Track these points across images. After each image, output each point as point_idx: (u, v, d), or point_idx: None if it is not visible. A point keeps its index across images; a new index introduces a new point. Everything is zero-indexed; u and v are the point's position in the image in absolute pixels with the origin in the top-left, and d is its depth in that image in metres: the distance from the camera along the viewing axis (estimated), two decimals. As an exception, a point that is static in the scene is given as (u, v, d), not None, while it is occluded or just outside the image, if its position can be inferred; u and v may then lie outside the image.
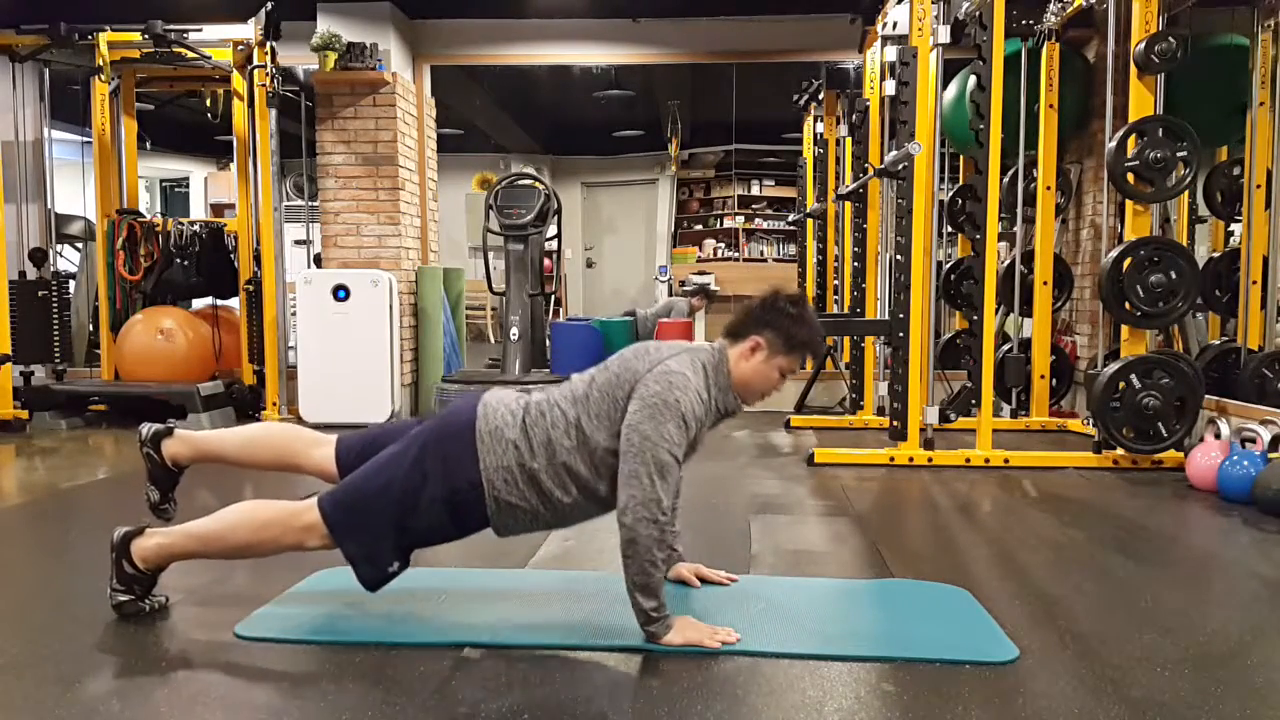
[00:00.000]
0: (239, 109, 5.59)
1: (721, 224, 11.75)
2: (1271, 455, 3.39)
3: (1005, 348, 5.23)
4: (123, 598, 2.10)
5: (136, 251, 5.65)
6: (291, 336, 5.52)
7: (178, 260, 5.70)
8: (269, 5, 5.14)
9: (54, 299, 5.60)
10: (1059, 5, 4.77)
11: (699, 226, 11.87)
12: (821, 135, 6.69)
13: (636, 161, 11.51)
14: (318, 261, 6.42)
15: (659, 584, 1.91)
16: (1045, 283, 5.12)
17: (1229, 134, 4.85)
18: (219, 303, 5.93)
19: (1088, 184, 5.51)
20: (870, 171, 4.99)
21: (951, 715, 1.66)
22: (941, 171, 4.82)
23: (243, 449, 2.30)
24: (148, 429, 2.29)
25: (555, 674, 1.83)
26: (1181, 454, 3.87)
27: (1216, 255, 5.05)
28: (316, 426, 5.54)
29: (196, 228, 5.78)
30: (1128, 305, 3.89)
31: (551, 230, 5.76)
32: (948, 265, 5.80)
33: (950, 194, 5.92)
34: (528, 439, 2.00)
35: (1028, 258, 5.22)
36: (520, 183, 5.81)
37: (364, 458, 2.12)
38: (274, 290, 5.40)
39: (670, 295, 10.46)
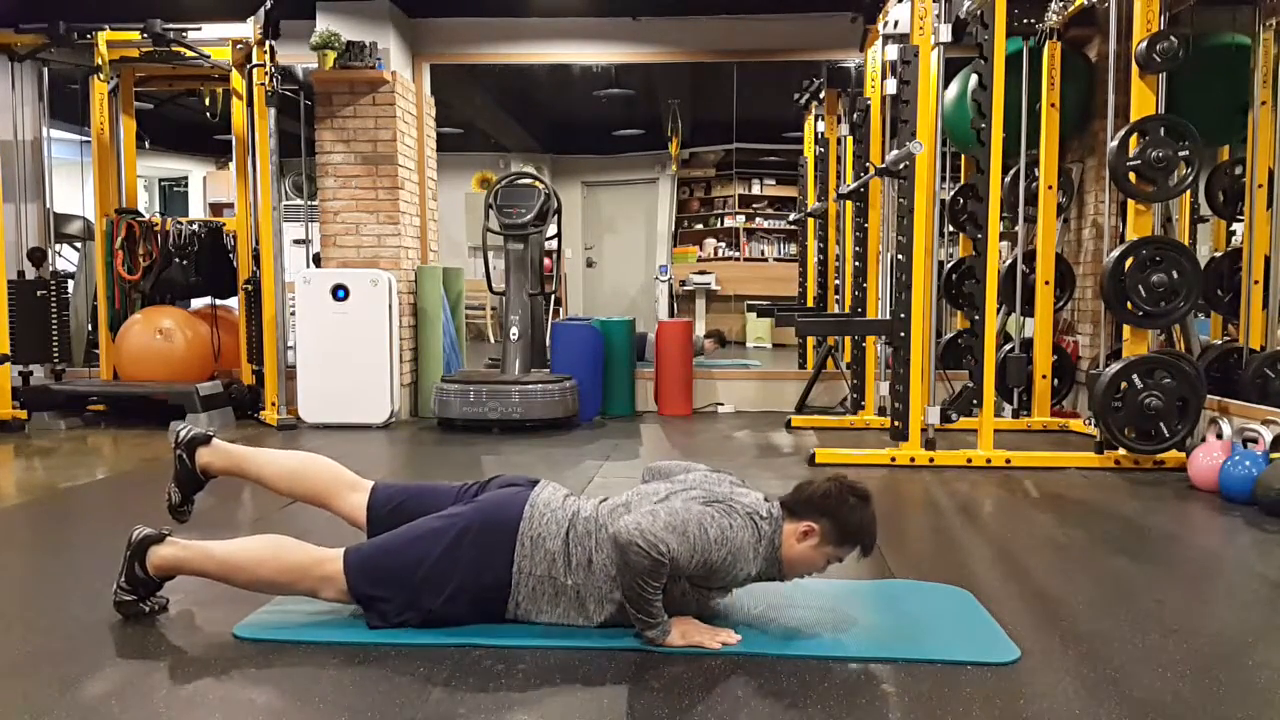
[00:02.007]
0: (238, 108, 5.58)
1: (722, 223, 11.74)
2: (1273, 455, 3.38)
3: (1007, 348, 5.22)
4: (126, 598, 2.10)
5: (135, 251, 5.64)
6: (290, 336, 5.51)
7: (176, 260, 5.69)
8: (268, 4, 5.13)
9: (53, 299, 5.60)
10: (1060, 4, 4.76)
11: (699, 226, 11.86)
12: (822, 134, 6.69)
13: (637, 160, 11.50)
14: (317, 261, 6.41)
15: (651, 600, 1.89)
16: (1047, 282, 5.11)
17: (1230, 133, 4.84)
18: (218, 302, 5.92)
19: (1089, 183, 5.50)
20: (871, 171, 4.99)
21: (953, 716, 1.66)
22: (943, 171, 4.82)
23: (279, 478, 2.27)
24: (185, 433, 2.28)
25: (555, 675, 1.82)
26: (1183, 454, 3.86)
27: (1218, 255, 5.04)
28: (316, 427, 5.54)
29: (195, 227, 5.77)
30: (1129, 305, 3.88)
31: (551, 230, 5.75)
32: (949, 265, 5.80)
33: (951, 193, 5.92)
34: (568, 554, 1.98)
35: (1029, 257, 5.21)
36: (520, 182, 5.80)
37: (397, 514, 2.11)
38: (273, 290, 5.39)
39: (674, 311, 10.49)
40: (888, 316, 4.62)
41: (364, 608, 2.02)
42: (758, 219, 11.68)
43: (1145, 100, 3.87)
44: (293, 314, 5.47)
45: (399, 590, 1.98)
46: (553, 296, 6.25)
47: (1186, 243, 4.77)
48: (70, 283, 6.18)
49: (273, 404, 5.39)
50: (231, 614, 2.09)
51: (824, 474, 2.10)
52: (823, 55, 6.22)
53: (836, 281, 6.25)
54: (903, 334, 4.18)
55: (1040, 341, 5.12)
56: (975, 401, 4.14)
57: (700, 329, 9.35)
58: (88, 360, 6.18)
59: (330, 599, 2.04)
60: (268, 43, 5.25)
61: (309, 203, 7.25)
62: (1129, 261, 3.86)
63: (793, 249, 10.72)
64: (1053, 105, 5.06)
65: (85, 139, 6.09)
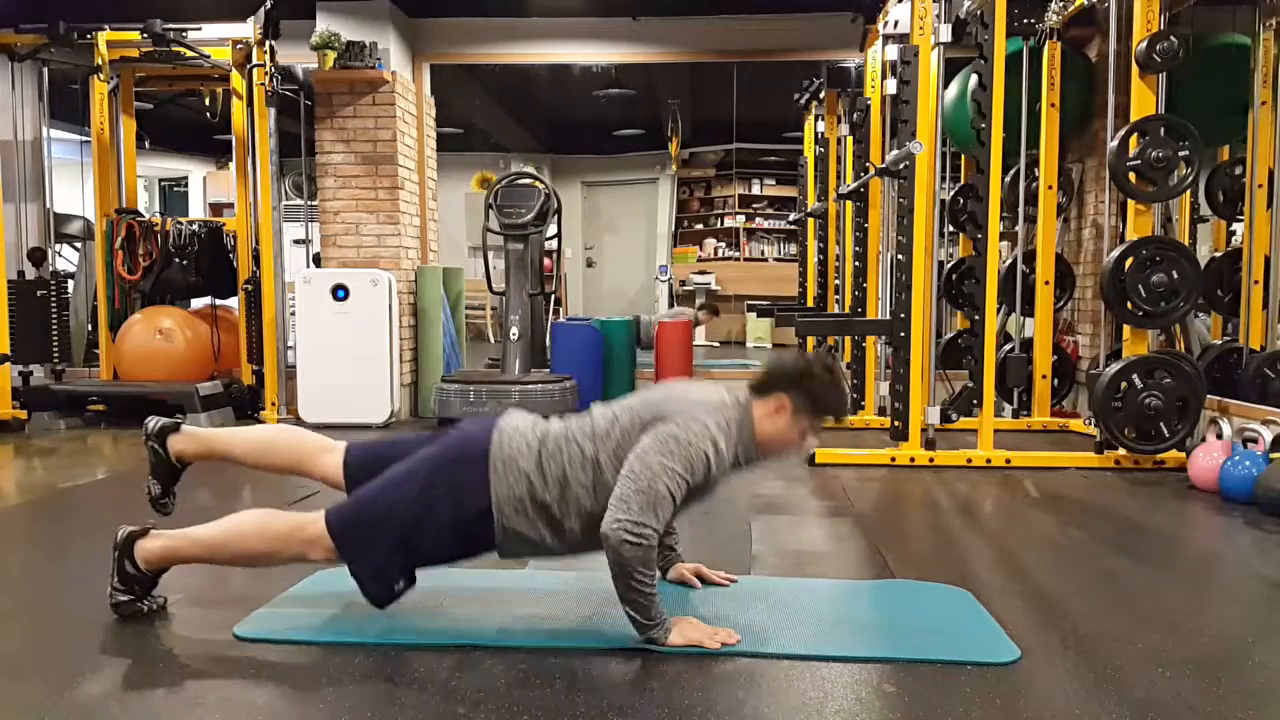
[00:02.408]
0: (238, 108, 5.58)
1: (722, 223, 11.75)
2: (1273, 455, 3.39)
3: (1007, 347, 5.22)
4: (122, 597, 2.09)
5: (135, 251, 5.64)
6: (290, 336, 5.51)
7: (176, 260, 5.68)
8: (268, 4, 5.13)
9: (53, 299, 5.59)
10: (1060, 4, 4.76)
11: (699, 226, 11.87)
12: (822, 134, 6.69)
13: (637, 161, 11.51)
14: (317, 261, 6.42)
15: (650, 597, 1.90)
16: (1047, 282, 5.11)
17: (1230, 133, 4.84)
18: (218, 302, 5.92)
19: (1089, 183, 5.50)
20: (871, 171, 4.99)
21: (953, 716, 1.66)
22: (943, 171, 4.82)
23: (251, 452, 2.29)
24: (154, 423, 2.28)
25: (555, 675, 1.82)
26: (1183, 454, 3.86)
27: (1218, 255, 5.04)
28: (316, 427, 5.52)
29: (195, 227, 5.76)
30: (1129, 305, 3.88)
31: (551, 230, 5.75)
32: (949, 265, 5.80)
33: (951, 193, 5.91)
34: (542, 472, 1.99)
35: (1029, 257, 5.21)
36: (520, 182, 5.80)
37: (372, 469, 2.11)
38: (273, 290, 5.39)
39: (673, 304, 10.48)
40: (888, 316, 4.62)
41: (351, 567, 2.00)
42: (758, 219, 11.69)
43: (1145, 100, 3.87)
44: (293, 314, 5.47)
45: (385, 536, 1.98)
46: (553, 296, 6.25)
47: (1186, 243, 4.77)
48: (70, 283, 6.17)
49: (273, 404, 5.39)
50: (231, 614, 2.09)
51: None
52: (823, 55, 6.22)
53: (836, 281, 6.25)
54: (903, 334, 4.17)
55: (1040, 341, 5.12)
56: (975, 401, 4.14)
57: (700, 331, 9.35)
58: (88, 360, 6.18)
59: (319, 559, 2.03)
60: (268, 43, 5.25)
61: (309, 203, 7.25)
62: (1129, 261, 3.86)
63: (793, 249, 10.74)
64: (1053, 105, 5.06)
65: (85, 139, 6.08)
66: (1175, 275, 3.84)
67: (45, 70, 5.94)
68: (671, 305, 10.61)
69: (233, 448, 2.29)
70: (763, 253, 11.65)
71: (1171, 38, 3.75)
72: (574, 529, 1.99)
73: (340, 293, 5.34)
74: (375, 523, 1.99)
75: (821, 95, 6.61)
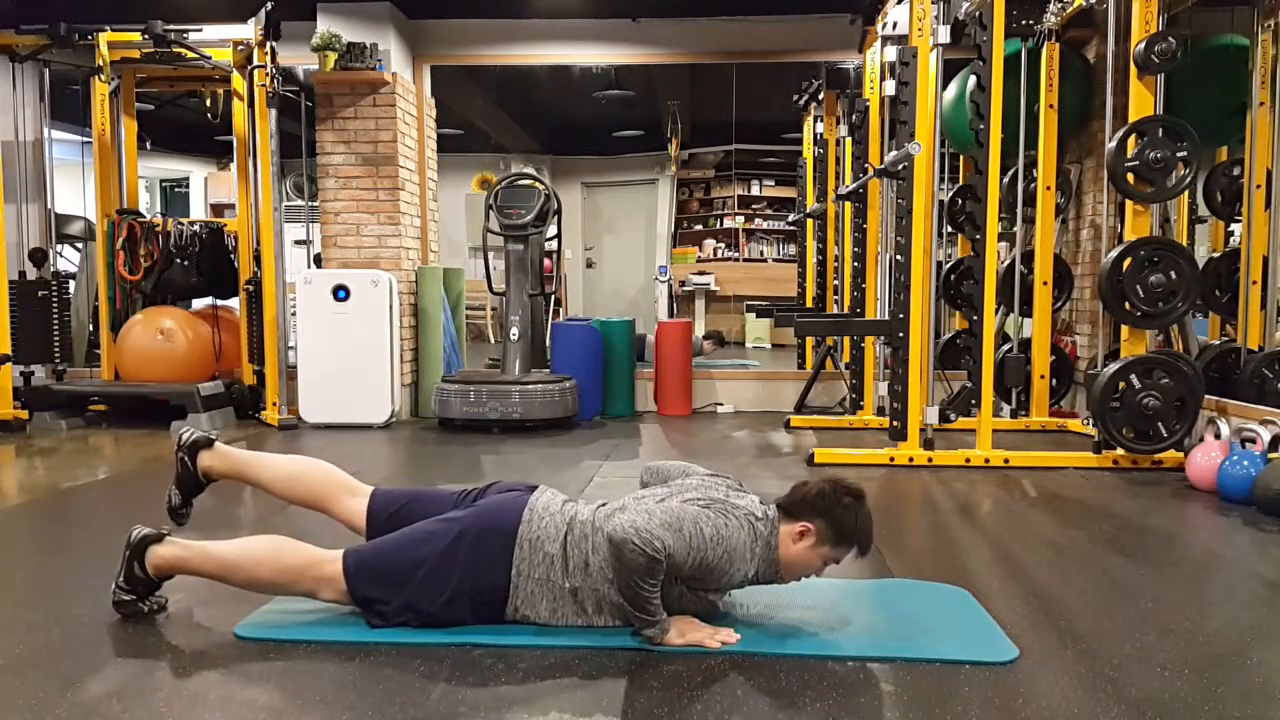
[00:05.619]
0: (239, 109, 5.59)
1: (721, 224, 11.75)
2: (1271, 455, 3.39)
3: (1005, 348, 5.23)
4: (125, 597, 2.10)
5: (136, 251, 5.65)
6: (291, 336, 5.52)
7: (178, 260, 5.70)
8: (269, 5, 5.14)
9: (54, 299, 5.60)
10: (1059, 5, 4.77)
11: (699, 226, 11.87)
12: (821, 135, 6.70)
13: (636, 161, 11.51)
14: (318, 261, 6.42)
15: (649, 597, 1.90)
16: (1045, 283, 5.12)
17: (1229, 134, 4.85)
18: (219, 303, 5.93)
19: (1088, 184, 5.51)
20: (870, 171, 4.99)
21: (952, 715, 1.66)
22: (941, 171, 4.83)
23: (279, 482, 2.30)
24: (187, 436, 2.30)
25: (555, 674, 1.83)
26: (1181, 454, 3.87)
27: (1216, 255, 5.05)
28: (316, 427, 5.54)
29: (196, 228, 5.77)
30: (1128, 305, 3.89)
31: (551, 230, 5.76)
32: (948, 265, 5.81)
33: (950, 194, 5.92)
34: (566, 557, 1.99)
35: (1028, 258, 5.22)
36: (520, 183, 5.81)
37: (396, 519, 2.12)
38: (274, 290, 5.40)
39: (673, 305, 10.49)
40: (886, 317, 4.62)
41: (363, 609, 2.03)
42: (757, 220, 11.69)
43: (1143, 101, 3.88)
44: (294, 314, 5.48)
45: (398, 592, 1.99)
46: (553, 297, 6.26)
47: (1184, 243, 4.78)
48: (71, 283, 6.18)
49: (274, 404, 5.40)
50: (232, 613, 2.10)
51: (823, 474, 2.11)
52: (822, 56, 6.23)
53: (835, 282, 6.25)
54: (901, 334, 4.18)
55: (1038, 342, 5.13)
56: (974, 401, 4.14)
57: (700, 329, 9.37)
58: (89, 360, 6.19)
59: (328, 600, 2.05)
60: (269, 44, 5.25)
61: (310, 203, 7.25)
62: (1127, 262, 3.86)
63: (792, 250, 10.73)
64: (1051, 106, 5.06)
65: (86, 140, 6.09)
66: (1173, 276, 3.85)
67: (46, 71, 5.94)
68: (671, 305, 10.60)
69: (261, 475, 2.30)
70: (762, 253, 11.65)
71: (1170, 39, 3.76)
72: (591, 620, 2.00)
73: (341, 293, 5.35)
74: (392, 576, 2.00)
75: (820, 96, 6.62)
